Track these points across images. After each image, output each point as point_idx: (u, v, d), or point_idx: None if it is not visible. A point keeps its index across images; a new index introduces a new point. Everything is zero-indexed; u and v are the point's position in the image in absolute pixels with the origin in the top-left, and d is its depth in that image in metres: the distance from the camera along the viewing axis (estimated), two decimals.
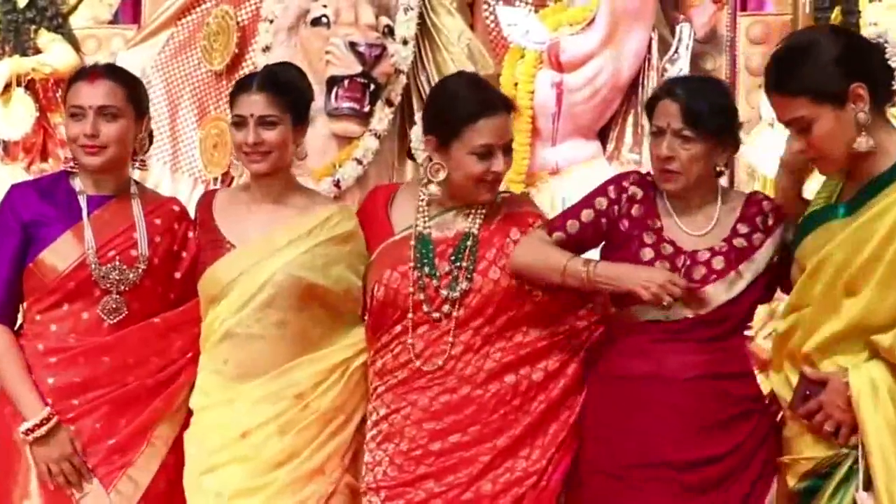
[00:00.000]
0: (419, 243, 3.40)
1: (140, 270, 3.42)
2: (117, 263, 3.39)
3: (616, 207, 3.31)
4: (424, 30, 5.31)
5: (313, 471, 3.40)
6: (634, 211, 3.30)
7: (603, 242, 3.36)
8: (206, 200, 3.62)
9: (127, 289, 3.41)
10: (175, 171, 5.64)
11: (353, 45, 5.03)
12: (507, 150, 3.39)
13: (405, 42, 5.20)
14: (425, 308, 3.36)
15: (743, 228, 3.29)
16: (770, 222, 3.29)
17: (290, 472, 3.38)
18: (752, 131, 5.38)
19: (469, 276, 3.36)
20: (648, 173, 3.40)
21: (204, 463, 3.40)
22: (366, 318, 3.48)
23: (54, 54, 6.24)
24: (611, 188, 3.34)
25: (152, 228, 3.47)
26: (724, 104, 3.31)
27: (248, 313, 3.40)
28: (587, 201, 3.36)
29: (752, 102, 5.50)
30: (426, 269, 3.37)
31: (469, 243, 3.39)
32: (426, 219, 3.43)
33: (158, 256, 3.46)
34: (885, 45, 4.90)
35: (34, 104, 6.26)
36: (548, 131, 5.48)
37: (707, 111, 3.22)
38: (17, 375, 3.37)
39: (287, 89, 3.47)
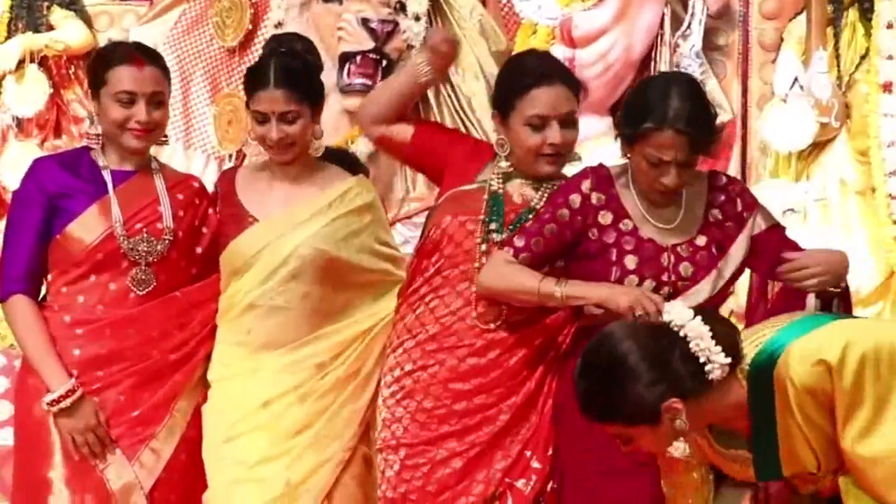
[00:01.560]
0: (493, 199, 3.39)
1: (167, 242, 3.47)
2: (145, 235, 3.44)
3: (580, 218, 3.25)
4: (436, 5, 5.31)
5: (331, 437, 3.46)
6: (602, 218, 3.24)
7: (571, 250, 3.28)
8: (229, 176, 3.68)
9: (155, 260, 3.46)
10: (188, 147, 5.66)
11: (365, 21, 5.06)
12: (566, 123, 3.35)
13: (417, 18, 5.20)
14: (483, 260, 3.34)
15: (715, 216, 3.29)
16: (740, 208, 3.29)
17: (309, 438, 3.44)
18: (764, 107, 5.40)
19: None
20: (602, 166, 3.33)
21: (225, 433, 3.45)
22: (412, 263, 3.48)
23: (67, 31, 6.21)
24: (572, 197, 3.25)
25: (175, 202, 3.52)
26: (712, 119, 3.28)
27: (271, 286, 3.46)
28: (549, 214, 3.27)
29: (765, 78, 5.49)
30: (493, 226, 3.37)
31: (531, 216, 3.37)
32: (500, 180, 3.41)
33: (182, 230, 3.51)
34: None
35: (47, 81, 6.22)
36: None
37: (710, 136, 3.21)
38: (42, 347, 3.40)
39: (304, 81, 3.52)
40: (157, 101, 3.48)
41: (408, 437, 3.35)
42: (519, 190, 3.42)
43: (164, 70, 3.54)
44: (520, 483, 3.33)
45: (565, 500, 3.33)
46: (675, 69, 5.32)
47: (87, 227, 3.42)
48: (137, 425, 3.42)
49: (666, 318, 2.74)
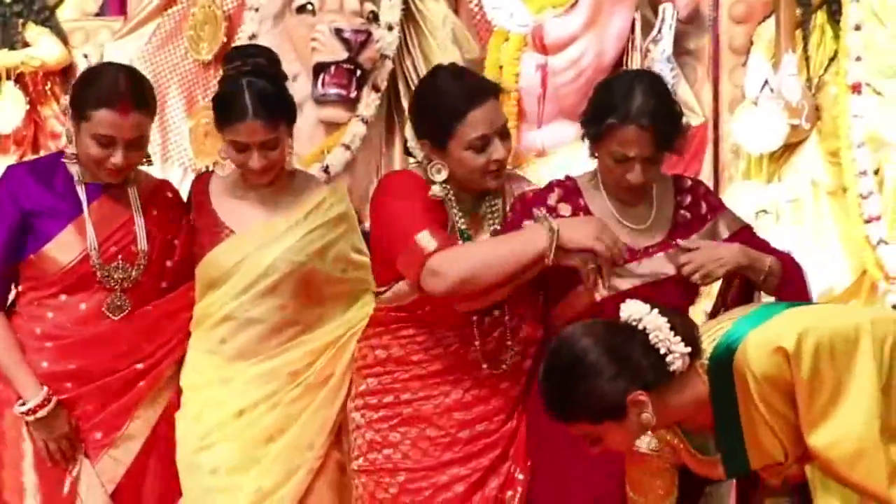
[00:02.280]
0: (462, 238, 3.32)
1: (141, 268, 3.45)
2: (119, 262, 3.43)
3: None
4: (409, 15, 5.31)
5: (303, 444, 3.46)
6: None
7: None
8: (202, 183, 3.62)
9: (129, 286, 3.45)
10: (165, 160, 5.64)
11: (338, 32, 5.03)
12: (504, 135, 3.32)
13: (390, 28, 5.19)
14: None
15: (684, 217, 3.32)
16: (704, 210, 3.33)
17: (282, 445, 3.44)
18: (736, 109, 5.40)
19: None
20: (568, 178, 3.33)
21: (198, 442, 3.45)
22: (391, 304, 3.38)
23: (43, 47, 6.24)
24: (536, 212, 3.20)
25: (150, 221, 3.49)
26: (677, 114, 3.29)
27: (248, 298, 3.45)
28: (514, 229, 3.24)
29: (736, 81, 5.50)
30: None
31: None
32: (458, 216, 3.35)
33: (156, 250, 3.49)
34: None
35: (24, 97, 6.25)
36: (533, 114, 5.48)
37: (671, 130, 3.21)
38: (13, 358, 3.40)
39: (280, 105, 3.47)
40: (137, 144, 3.43)
41: (409, 463, 3.34)
42: (476, 222, 3.37)
43: (151, 111, 3.48)
44: (507, 495, 3.35)
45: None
46: None
47: (63, 249, 3.41)
48: (97, 431, 3.45)
49: (623, 314, 2.76)
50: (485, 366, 3.30)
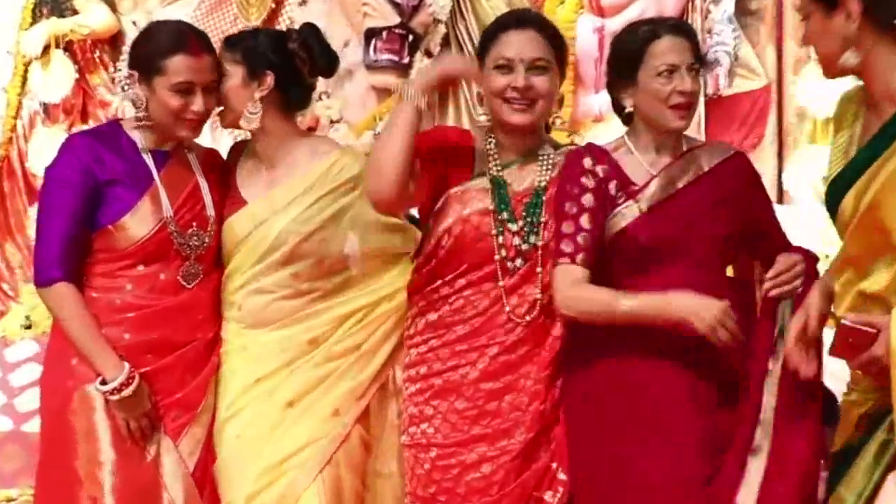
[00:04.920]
0: (497, 187, 3.31)
1: (212, 233, 3.45)
2: (195, 228, 3.42)
3: (601, 194, 3.18)
4: None
5: (326, 412, 3.41)
6: (611, 188, 3.19)
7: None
8: (235, 153, 3.62)
9: (203, 252, 3.44)
10: (215, 128, 5.61)
11: None
12: (535, 69, 3.27)
13: None
14: (504, 253, 3.27)
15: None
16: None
17: (301, 410, 3.40)
18: (801, 71, 5.35)
19: (537, 230, 3.28)
20: (590, 144, 3.31)
21: (226, 410, 3.44)
22: (420, 265, 3.39)
23: (91, 15, 6.27)
24: (583, 181, 3.19)
25: (212, 186, 3.49)
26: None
27: (260, 269, 3.42)
28: (576, 207, 3.20)
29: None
30: (505, 215, 3.29)
31: (542, 198, 3.31)
32: (498, 166, 3.34)
33: (218, 214, 3.48)
34: None
35: (73, 66, 6.30)
36: (590, 78, 5.44)
37: (698, 44, 3.23)
38: (91, 334, 3.34)
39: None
40: (212, 87, 3.42)
41: (439, 437, 3.30)
42: (519, 175, 3.35)
43: (215, 54, 3.46)
44: (547, 495, 3.27)
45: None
46: (707, 35, 5.28)
47: (141, 220, 3.37)
48: (179, 407, 3.41)
49: None
50: (507, 309, 3.25)
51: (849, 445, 2.92)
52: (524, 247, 3.26)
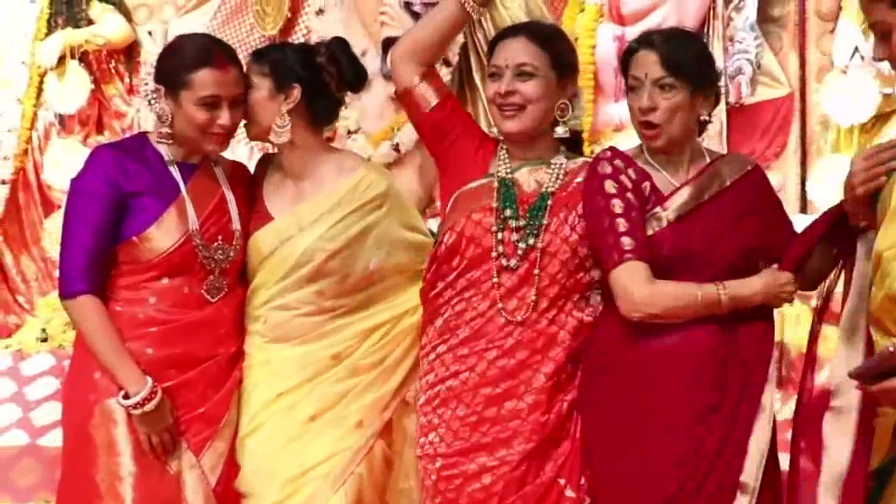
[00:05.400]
0: (503, 186, 3.32)
1: (238, 247, 3.43)
2: (220, 242, 3.40)
3: (630, 193, 3.17)
4: None
5: (349, 424, 3.40)
6: (644, 190, 3.20)
7: None
8: (262, 166, 3.61)
9: (227, 266, 3.42)
10: (232, 138, 5.65)
11: (407, 5, 4.98)
12: (520, 74, 3.29)
13: None
14: (500, 249, 3.27)
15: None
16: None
17: (325, 423, 3.39)
18: (824, 79, 5.32)
19: (537, 232, 3.26)
20: (614, 149, 3.29)
21: (247, 424, 3.43)
22: (427, 270, 3.39)
23: (107, 25, 6.27)
24: (606, 185, 3.17)
25: (238, 199, 3.48)
26: (703, 51, 3.27)
27: (285, 285, 3.41)
28: (608, 213, 3.17)
29: (824, 48, 5.41)
30: (508, 212, 3.29)
31: (548, 202, 3.30)
32: (508, 167, 3.35)
33: (244, 227, 3.47)
34: None
35: (88, 77, 6.30)
36: (610, 87, 5.41)
37: (685, 57, 3.16)
38: (114, 347, 3.33)
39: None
40: (239, 101, 3.41)
41: (443, 447, 3.29)
42: (528, 177, 3.35)
43: (241, 67, 3.46)
44: None
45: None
46: (729, 44, 5.27)
47: (164, 232, 3.35)
48: (201, 422, 3.40)
49: None
50: (503, 313, 3.24)
51: (889, 462, 2.86)
52: (522, 245, 3.24)
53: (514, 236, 3.25)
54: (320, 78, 3.46)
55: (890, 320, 2.86)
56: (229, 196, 3.45)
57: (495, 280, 3.25)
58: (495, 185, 3.31)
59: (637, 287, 3.11)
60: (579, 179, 3.30)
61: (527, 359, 3.25)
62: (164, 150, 3.41)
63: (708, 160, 3.21)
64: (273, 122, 3.41)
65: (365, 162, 3.59)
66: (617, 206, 3.15)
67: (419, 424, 3.34)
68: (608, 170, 3.18)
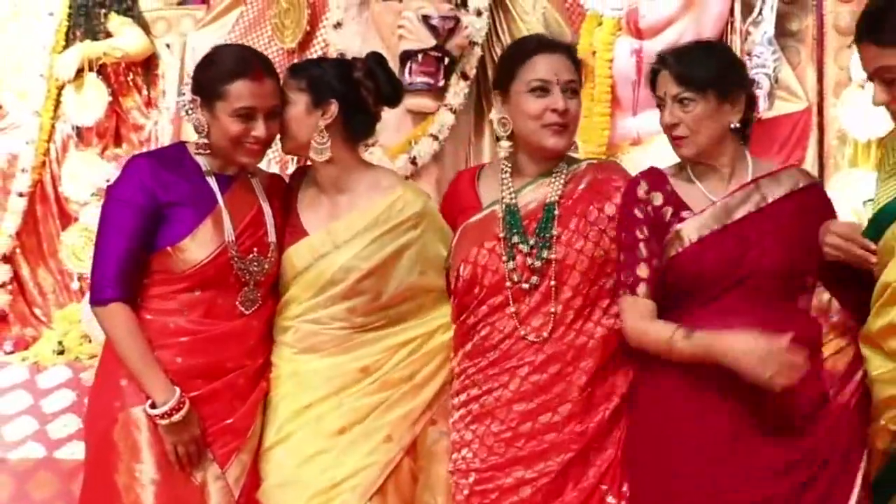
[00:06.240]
0: (507, 213, 3.36)
1: (273, 259, 3.45)
2: (255, 254, 3.41)
3: (653, 224, 3.23)
4: (498, 0, 5.20)
5: (377, 437, 3.41)
6: (665, 214, 3.24)
7: None
8: (296, 178, 3.62)
9: (262, 279, 3.43)
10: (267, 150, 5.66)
11: (426, 19, 4.91)
12: (570, 91, 3.35)
13: (479, 13, 5.06)
14: (515, 278, 3.30)
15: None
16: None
17: (353, 437, 3.40)
18: (841, 93, 5.31)
19: (548, 245, 3.30)
20: (653, 168, 3.34)
21: (275, 434, 3.44)
22: (451, 299, 3.45)
23: (125, 38, 6.28)
24: (636, 211, 3.25)
25: (275, 212, 3.49)
26: (716, 60, 3.29)
27: (318, 301, 3.43)
28: (631, 238, 3.25)
29: (841, 63, 5.40)
30: (516, 238, 3.32)
31: (554, 213, 3.34)
32: (511, 191, 3.38)
33: (279, 240, 3.48)
34: None
35: (106, 89, 6.30)
36: (628, 100, 5.38)
37: (700, 70, 3.20)
38: (143, 356, 3.34)
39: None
40: (274, 113, 3.43)
41: (477, 462, 3.32)
42: (532, 195, 3.38)
43: (277, 79, 3.48)
44: None
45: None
46: (747, 58, 5.25)
47: (200, 243, 3.38)
48: (228, 434, 3.41)
49: None
50: (508, 342, 3.31)
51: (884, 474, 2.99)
52: (538, 263, 3.29)
53: (528, 260, 3.30)
54: (357, 93, 3.47)
55: (887, 345, 2.99)
56: (266, 209, 3.47)
57: (512, 309, 3.29)
58: (500, 214, 3.35)
59: (629, 320, 3.21)
60: (582, 186, 3.36)
61: (559, 372, 3.29)
62: (202, 161, 3.42)
63: (750, 176, 3.22)
64: (310, 137, 3.42)
65: (402, 180, 3.61)
66: (641, 233, 3.22)
67: (451, 441, 3.37)
68: (642, 193, 3.24)
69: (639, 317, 3.19)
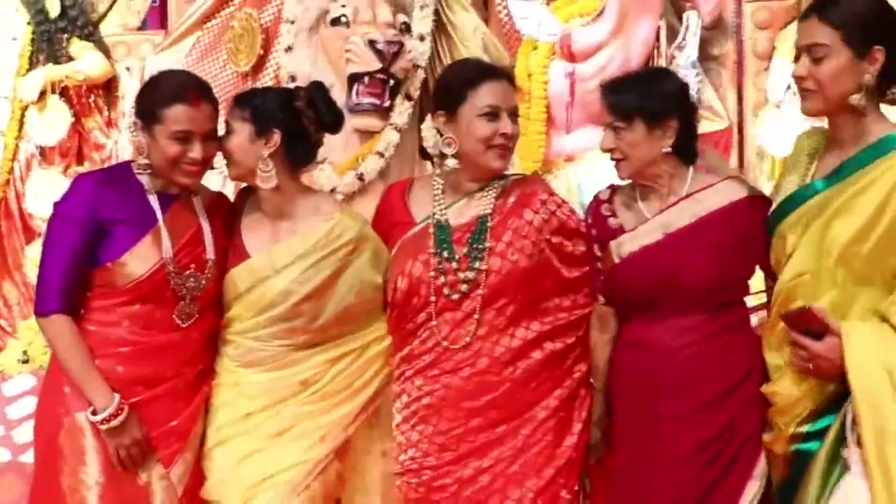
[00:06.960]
0: (437, 230, 3.43)
1: (211, 276, 3.48)
2: (192, 271, 3.45)
3: (602, 239, 3.37)
4: (440, 25, 5.29)
5: (314, 438, 3.45)
6: (614, 231, 3.38)
7: None
8: (241, 199, 3.65)
9: (199, 294, 3.48)
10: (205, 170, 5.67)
11: (372, 43, 4.99)
12: (514, 116, 3.42)
13: (422, 38, 5.17)
14: (446, 291, 3.38)
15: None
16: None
17: (290, 438, 3.44)
18: (759, 113, 5.44)
19: (481, 256, 3.36)
20: (611, 186, 3.46)
21: (214, 438, 3.49)
22: (388, 310, 3.50)
23: (86, 61, 6.31)
24: (592, 230, 3.40)
25: (214, 230, 3.53)
26: (646, 90, 3.35)
27: (259, 321, 3.48)
28: (590, 254, 3.40)
29: (760, 85, 5.52)
30: (445, 254, 3.39)
31: (487, 225, 3.40)
32: (442, 207, 3.46)
33: (219, 257, 3.52)
34: None
35: (69, 110, 6.33)
36: (562, 119, 5.49)
37: (628, 100, 3.31)
38: (84, 364, 3.37)
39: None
40: (212, 136, 3.45)
41: (431, 460, 3.38)
42: (463, 210, 3.45)
43: (216, 104, 3.50)
44: None
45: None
46: None
47: (139, 259, 3.41)
48: (171, 436, 3.46)
49: None
50: (445, 344, 3.37)
51: (790, 476, 3.06)
52: (470, 275, 3.36)
53: (459, 274, 3.37)
54: (299, 122, 3.48)
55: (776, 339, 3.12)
56: (206, 227, 3.50)
57: (448, 316, 3.37)
58: (430, 230, 3.42)
59: (591, 328, 3.40)
60: (512, 199, 3.42)
61: (501, 372, 3.36)
62: (145, 181, 3.46)
63: (685, 192, 3.30)
64: (254, 164, 3.42)
65: (340, 206, 3.63)
66: (595, 246, 3.38)
67: (398, 443, 3.41)
68: (597, 210, 3.39)
69: (597, 327, 3.38)
